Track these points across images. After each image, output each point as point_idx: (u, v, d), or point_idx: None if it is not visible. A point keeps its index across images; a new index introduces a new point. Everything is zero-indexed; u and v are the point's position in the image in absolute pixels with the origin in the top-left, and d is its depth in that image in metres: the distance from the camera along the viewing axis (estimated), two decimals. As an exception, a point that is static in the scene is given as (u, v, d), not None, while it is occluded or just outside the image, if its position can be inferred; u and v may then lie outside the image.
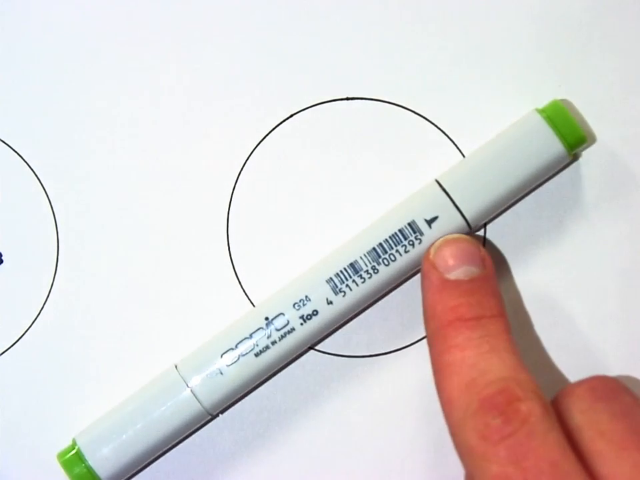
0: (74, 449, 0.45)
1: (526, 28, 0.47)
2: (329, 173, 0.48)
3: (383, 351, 0.48)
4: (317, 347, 0.48)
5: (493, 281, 0.44)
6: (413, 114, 0.48)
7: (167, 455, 0.48)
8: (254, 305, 0.48)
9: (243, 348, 0.44)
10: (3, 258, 0.49)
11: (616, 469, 0.37)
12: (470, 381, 0.40)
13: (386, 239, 0.44)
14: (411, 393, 0.48)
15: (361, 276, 0.44)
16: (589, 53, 0.47)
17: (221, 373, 0.44)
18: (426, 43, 0.48)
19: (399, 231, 0.44)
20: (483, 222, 0.46)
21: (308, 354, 0.48)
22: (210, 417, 0.46)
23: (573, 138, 0.45)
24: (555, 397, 0.41)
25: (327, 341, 0.48)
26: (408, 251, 0.44)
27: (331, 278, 0.44)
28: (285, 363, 0.46)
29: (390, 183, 0.48)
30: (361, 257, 0.44)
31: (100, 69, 0.49)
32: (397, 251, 0.44)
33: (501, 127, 0.46)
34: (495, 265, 0.44)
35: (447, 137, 0.48)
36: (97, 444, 0.45)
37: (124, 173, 0.49)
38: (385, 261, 0.44)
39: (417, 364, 0.47)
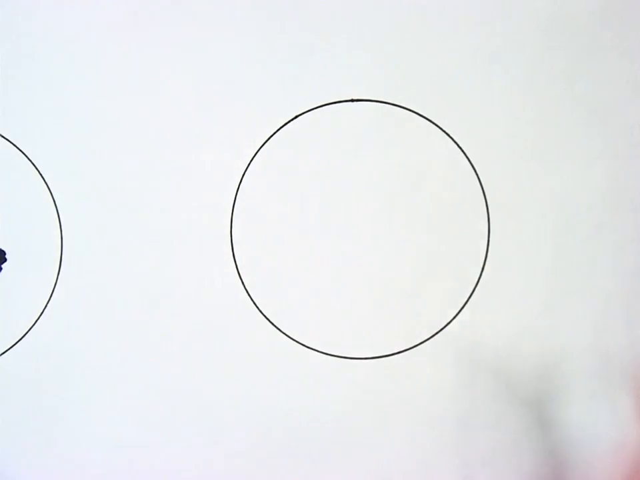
0: None
1: (531, 32, 0.47)
2: (334, 174, 0.48)
3: (385, 353, 0.48)
4: (316, 347, 0.48)
5: None
6: (417, 116, 0.48)
7: (167, 454, 0.48)
8: (259, 308, 0.48)
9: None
10: (7, 257, 0.49)
11: None
12: None
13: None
14: (411, 394, 0.48)
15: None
16: (594, 56, 0.47)
17: None
18: (431, 45, 0.48)
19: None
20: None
21: (308, 354, 0.48)
22: None
23: None
24: None
25: (326, 341, 0.48)
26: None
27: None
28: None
29: (395, 183, 0.48)
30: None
31: (105, 74, 0.49)
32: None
33: (505, 129, 0.46)
34: (495, 265, 0.44)
35: (451, 139, 0.48)
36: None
37: (128, 174, 0.49)
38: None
39: (416, 366, 0.48)
